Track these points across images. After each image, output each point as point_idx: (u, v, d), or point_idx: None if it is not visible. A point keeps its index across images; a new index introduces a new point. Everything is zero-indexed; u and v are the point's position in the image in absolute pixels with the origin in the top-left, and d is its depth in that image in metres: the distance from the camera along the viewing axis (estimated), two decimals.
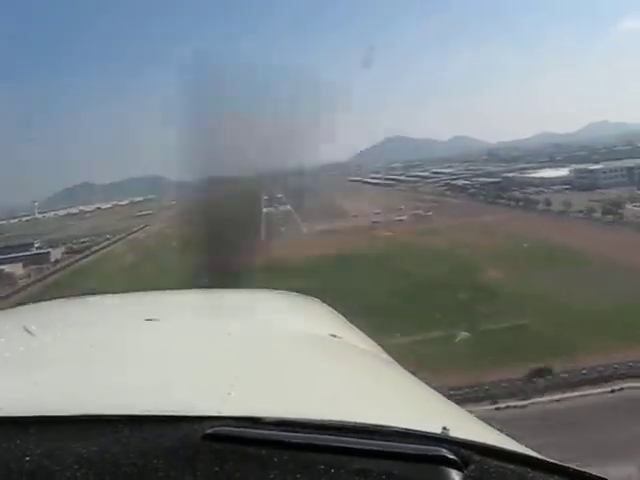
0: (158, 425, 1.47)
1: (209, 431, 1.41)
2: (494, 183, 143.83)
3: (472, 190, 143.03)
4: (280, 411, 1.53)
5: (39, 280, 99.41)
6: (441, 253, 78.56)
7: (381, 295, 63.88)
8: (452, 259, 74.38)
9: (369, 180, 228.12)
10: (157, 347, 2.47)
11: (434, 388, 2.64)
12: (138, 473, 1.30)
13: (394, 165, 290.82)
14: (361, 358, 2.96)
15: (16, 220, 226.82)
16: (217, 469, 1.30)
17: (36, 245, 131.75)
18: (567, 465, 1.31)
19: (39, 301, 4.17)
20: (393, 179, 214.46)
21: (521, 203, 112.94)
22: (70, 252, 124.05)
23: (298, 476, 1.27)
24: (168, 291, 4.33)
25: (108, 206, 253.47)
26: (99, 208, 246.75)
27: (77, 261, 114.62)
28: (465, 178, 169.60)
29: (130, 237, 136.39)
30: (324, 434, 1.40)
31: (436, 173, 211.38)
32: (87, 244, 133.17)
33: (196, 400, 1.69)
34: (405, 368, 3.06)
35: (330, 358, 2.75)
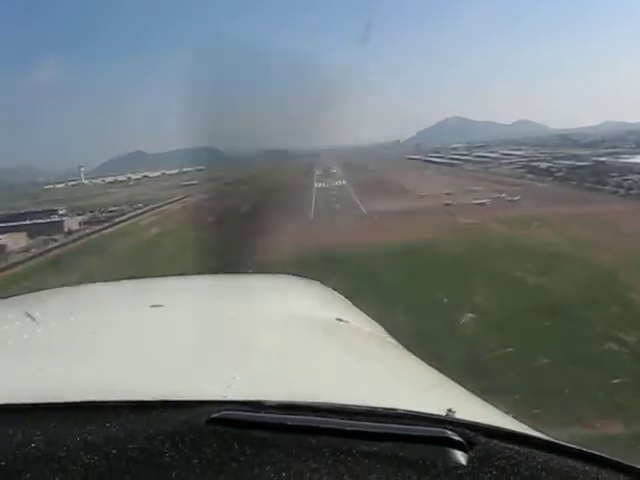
0: (163, 410, 1.46)
1: (214, 415, 1.40)
2: (583, 167, 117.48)
3: (559, 174, 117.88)
4: (285, 395, 1.52)
5: (35, 256, 78.57)
6: (560, 254, 53.59)
7: (513, 326, 34.70)
8: (581, 264, 49.12)
9: (430, 159, 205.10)
10: (162, 333, 2.47)
11: (439, 370, 2.57)
12: (144, 458, 1.29)
13: (455, 145, 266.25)
14: (366, 341, 2.94)
15: (62, 185, 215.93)
16: (222, 453, 1.29)
17: (60, 212, 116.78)
18: (573, 446, 1.29)
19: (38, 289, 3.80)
20: (457, 159, 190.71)
21: (633, 191, 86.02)
22: (91, 222, 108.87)
23: (303, 459, 1.25)
24: (173, 277, 4.57)
25: (156, 174, 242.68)
26: (146, 176, 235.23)
27: (92, 233, 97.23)
28: (545, 161, 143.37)
29: (164, 207, 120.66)
30: (329, 417, 1.38)
31: (506, 155, 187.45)
32: (115, 213, 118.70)
33: (201, 385, 1.75)
34: (410, 351, 2.91)
35: (335, 341, 2.72)
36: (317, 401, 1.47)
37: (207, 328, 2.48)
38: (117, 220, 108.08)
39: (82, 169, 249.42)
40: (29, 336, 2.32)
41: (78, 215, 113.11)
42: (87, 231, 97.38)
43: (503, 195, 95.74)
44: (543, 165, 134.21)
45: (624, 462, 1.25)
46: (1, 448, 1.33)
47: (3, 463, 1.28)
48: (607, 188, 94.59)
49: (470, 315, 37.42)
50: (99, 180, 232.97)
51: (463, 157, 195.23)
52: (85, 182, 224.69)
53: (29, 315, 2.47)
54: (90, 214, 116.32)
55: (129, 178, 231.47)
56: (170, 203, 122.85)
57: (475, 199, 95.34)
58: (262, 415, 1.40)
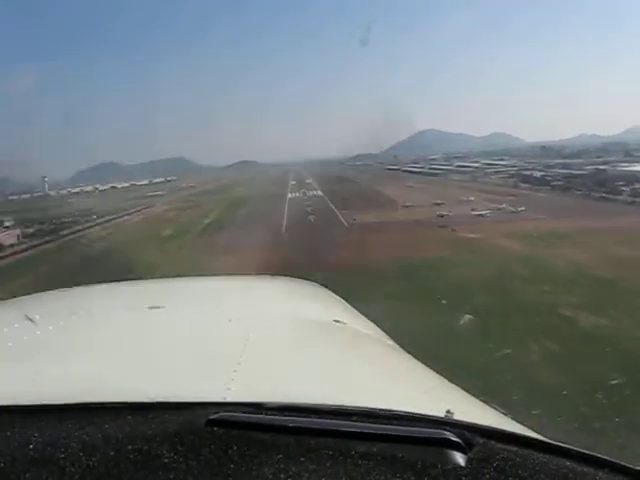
0: (162, 411, 1.44)
1: (213, 417, 1.38)
2: (582, 176, 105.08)
3: (557, 182, 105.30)
4: (283, 396, 1.51)
5: None
6: (607, 281, 38.87)
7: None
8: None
9: (410, 169, 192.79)
10: (161, 334, 2.44)
11: (438, 372, 2.54)
12: (143, 459, 1.27)
13: (433, 157, 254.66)
14: (365, 343, 2.90)
15: (28, 195, 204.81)
16: (221, 454, 1.27)
17: (6, 224, 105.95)
18: (571, 447, 1.27)
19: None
20: (439, 168, 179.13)
21: None
22: (36, 234, 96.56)
23: (302, 460, 1.24)
24: (172, 278, 4.53)
25: (125, 185, 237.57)
26: (114, 187, 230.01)
27: (28, 249, 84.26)
28: (536, 170, 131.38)
29: (120, 219, 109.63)
30: (328, 418, 1.37)
31: (489, 164, 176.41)
32: (65, 224, 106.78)
33: (200, 386, 1.72)
34: (409, 353, 2.89)
35: (333, 343, 2.69)
36: (316, 403, 1.46)
37: (206, 329, 2.49)
38: (62, 233, 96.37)
39: (46, 179, 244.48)
40: (28, 338, 2.29)
41: (26, 227, 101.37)
42: (22, 246, 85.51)
43: (504, 206, 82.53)
44: (537, 174, 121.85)
45: (622, 463, 1.24)
46: (0, 450, 1.32)
47: (2, 465, 1.26)
48: (621, 198, 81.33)
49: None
50: (66, 191, 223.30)
51: (444, 167, 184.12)
52: (50, 193, 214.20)
53: (28, 317, 2.45)
54: (38, 226, 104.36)
55: (95, 189, 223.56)
56: (129, 214, 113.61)
57: (473, 210, 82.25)
58: (261, 417, 1.38)
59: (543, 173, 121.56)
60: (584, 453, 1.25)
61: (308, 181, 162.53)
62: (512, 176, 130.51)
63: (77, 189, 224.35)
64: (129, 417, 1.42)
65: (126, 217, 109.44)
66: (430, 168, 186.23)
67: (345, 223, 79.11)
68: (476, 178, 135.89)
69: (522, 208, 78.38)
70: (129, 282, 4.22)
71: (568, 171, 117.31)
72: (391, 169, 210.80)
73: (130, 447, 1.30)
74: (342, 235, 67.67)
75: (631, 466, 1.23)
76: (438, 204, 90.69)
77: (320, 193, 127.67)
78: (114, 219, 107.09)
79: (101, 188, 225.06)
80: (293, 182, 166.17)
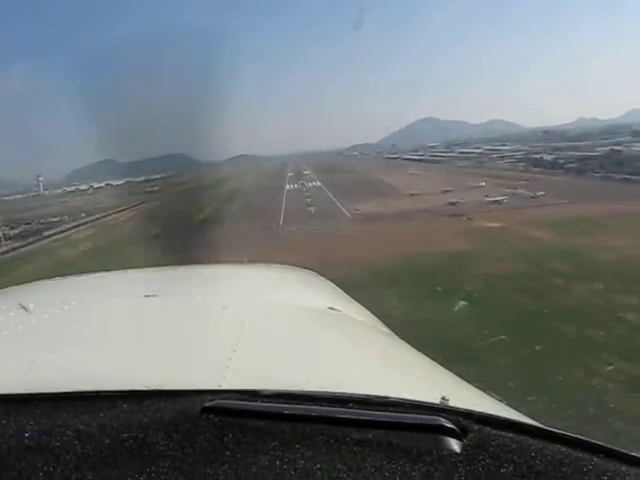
0: (158, 399, 1.44)
1: (208, 404, 1.37)
2: (596, 157, 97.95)
3: (571, 165, 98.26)
4: (279, 383, 1.50)
5: None
6: None
7: None
8: None
9: (410, 157, 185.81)
10: (156, 322, 2.44)
11: (433, 359, 2.55)
12: (138, 447, 1.27)
13: (432, 144, 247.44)
14: (360, 330, 2.91)
15: (21, 196, 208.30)
16: (217, 442, 1.27)
17: None
18: (565, 432, 1.26)
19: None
20: (440, 155, 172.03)
21: None
22: (21, 235, 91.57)
23: (297, 447, 1.23)
24: (167, 267, 4.27)
25: (120, 182, 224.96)
26: (109, 184, 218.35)
27: (10, 250, 77.75)
28: (545, 153, 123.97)
29: (111, 217, 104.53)
30: (323, 405, 1.36)
31: (492, 150, 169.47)
32: (52, 224, 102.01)
33: (195, 374, 1.73)
34: (404, 340, 2.90)
35: (328, 330, 2.69)
36: (311, 390, 1.45)
37: (201, 317, 2.50)
38: (47, 234, 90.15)
39: (40, 179, 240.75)
40: (23, 327, 2.29)
41: (11, 228, 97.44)
42: (6, 248, 78.90)
43: (520, 191, 75.61)
44: (547, 157, 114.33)
45: (617, 449, 1.22)
46: None
47: None
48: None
49: None
50: (61, 190, 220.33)
51: (446, 154, 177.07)
52: (45, 192, 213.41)
53: (22, 306, 2.46)
54: (25, 226, 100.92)
55: (90, 186, 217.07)
56: (120, 211, 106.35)
57: (486, 196, 75.23)
58: (256, 404, 1.37)
59: (553, 156, 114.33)
60: (579, 439, 1.24)
61: (306, 172, 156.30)
62: (519, 160, 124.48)
63: (72, 187, 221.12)
64: (124, 405, 1.41)
65: (116, 214, 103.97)
66: (431, 155, 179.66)
67: (347, 214, 72.22)
68: (482, 164, 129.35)
69: (541, 193, 71.55)
70: (124, 270, 4.12)
71: (580, 153, 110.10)
72: (391, 158, 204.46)
73: (125, 435, 1.29)
74: (345, 227, 60.86)
75: (626, 452, 1.22)
76: (447, 191, 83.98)
77: (319, 183, 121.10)
78: (106, 216, 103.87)
79: (96, 186, 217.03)
80: (291, 174, 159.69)
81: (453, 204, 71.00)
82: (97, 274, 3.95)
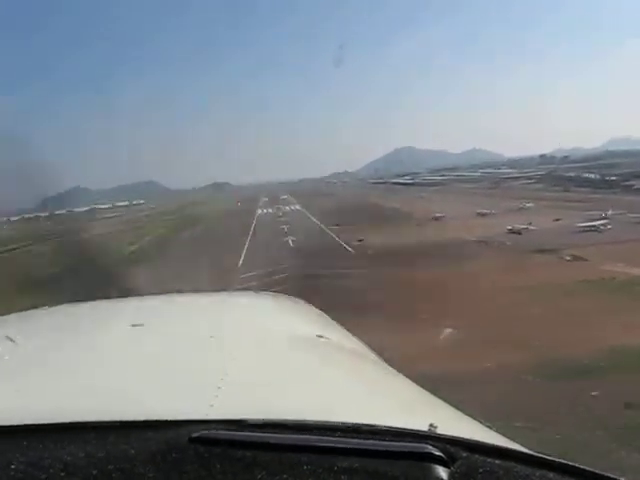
0: (144, 430, 1.41)
1: (195, 434, 1.35)
2: None
3: (628, 183, 71.64)
4: (267, 412, 1.48)
5: None
6: None
7: None
8: None
9: (400, 181, 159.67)
10: (142, 352, 2.39)
11: (421, 386, 2.49)
12: (125, 478, 1.24)
13: (416, 171, 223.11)
14: (348, 358, 2.85)
15: None
16: (204, 472, 1.25)
17: None
18: (555, 459, 1.24)
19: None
20: (435, 180, 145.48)
21: None
22: None
23: (285, 476, 1.21)
24: (154, 296, 4.21)
25: (84, 209, 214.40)
26: (70, 211, 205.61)
27: None
28: (568, 172, 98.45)
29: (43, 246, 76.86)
30: (311, 434, 1.34)
31: (489, 173, 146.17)
32: None
33: (182, 404, 1.67)
34: (392, 366, 2.87)
35: (316, 358, 2.63)
36: (299, 419, 1.42)
37: (188, 347, 2.42)
38: None
39: None
40: (8, 357, 2.22)
41: None
42: None
43: (609, 212, 48.07)
44: (590, 176, 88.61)
45: (605, 474, 1.20)
46: None
47: None
48: None
49: None
50: (20, 217, 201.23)
51: (441, 178, 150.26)
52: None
53: (7, 337, 2.39)
54: None
55: (52, 214, 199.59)
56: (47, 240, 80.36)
57: (556, 220, 48.81)
58: (244, 434, 1.34)
59: (594, 175, 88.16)
60: (567, 465, 1.22)
61: (283, 197, 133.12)
62: (540, 180, 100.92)
63: (33, 215, 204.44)
64: (111, 436, 1.37)
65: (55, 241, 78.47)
66: (425, 179, 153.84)
67: (347, 247, 44.43)
68: (498, 185, 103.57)
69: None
70: (110, 300, 4.04)
71: (630, 170, 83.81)
72: (377, 183, 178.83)
73: (112, 466, 1.26)
74: (348, 277, 32.77)
75: (615, 477, 1.19)
76: (484, 214, 56.96)
77: (298, 207, 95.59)
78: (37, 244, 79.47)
79: (57, 212, 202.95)
80: (265, 198, 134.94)
81: (518, 233, 43.61)
82: (84, 304, 3.85)
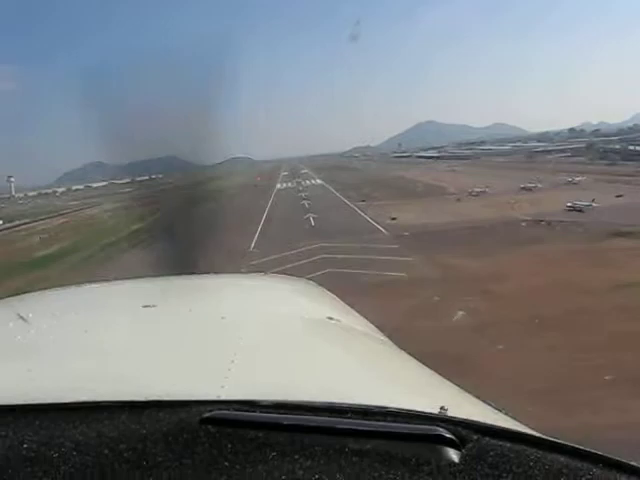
0: (156, 410, 1.40)
1: (207, 415, 1.33)
2: None
3: None
4: (277, 394, 1.46)
5: None
6: None
7: None
8: None
9: (426, 154, 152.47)
10: (154, 333, 2.38)
11: (432, 369, 2.46)
12: (137, 457, 1.25)
13: (441, 145, 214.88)
14: (358, 340, 2.81)
15: None
16: (215, 452, 1.25)
17: None
18: (565, 442, 1.22)
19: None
20: (463, 154, 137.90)
21: None
22: None
23: (296, 457, 1.22)
24: (165, 277, 4.12)
25: (101, 184, 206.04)
26: (89, 186, 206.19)
27: None
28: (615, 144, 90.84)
29: (53, 220, 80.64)
30: (321, 416, 1.33)
31: (519, 147, 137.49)
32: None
33: (194, 385, 1.68)
34: (403, 349, 2.82)
35: (327, 340, 2.60)
36: (309, 400, 1.41)
37: (199, 328, 2.40)
38: None
39: (12, 180, 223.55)
40: (21, 337, 2.22)
41: None
42: None
43: None
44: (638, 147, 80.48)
45: (617, 458, 1.18)
46: None
47: None
48: None
49: None
50: (36, 192, 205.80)
51: (469, 151, 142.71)
52: (16, 195, 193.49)
53: (20, 316, 2.40)
54: None
55: (68, 189, 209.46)
56: (71, 212, 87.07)
57: (618, 196, 41.67)
58: (254, 414, 1.33)
59: None
60: (578, 449, 1.21)
61: (304, 171, 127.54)
62: (577, 153, 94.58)
63: (49, 190, 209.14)
64: (123, 416, 1.37)
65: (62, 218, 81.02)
66: (452, 153, 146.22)
67: (379, 227, 37.83)
68: (533, 158, 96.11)
69: None
70: (122, 281, 3.96)
71: None
72: (401, 156, 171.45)
73: (124, 446, 1.27)
74: (389, 267, 26.24)
75: (625, 461, 1.18)
76: (528, 189, 50.15)
77: (319, 182, 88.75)
78: (48, 218, 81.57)
79: (74, 188, 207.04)
80: (285, 173, 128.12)
81: (579, 210, 36.77)
82: (95, 284, 3.83)
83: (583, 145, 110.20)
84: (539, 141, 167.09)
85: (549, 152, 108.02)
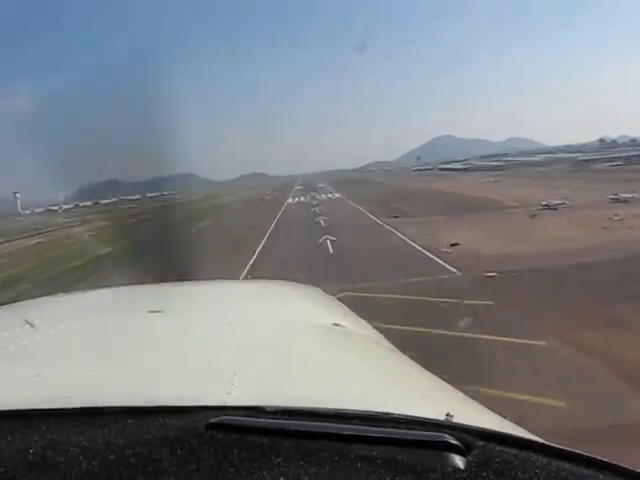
0: (162, 416, 1.39)
1: (213, 420, 1.33)
2: None
3: None
4: (284, 400, 1.46)
5: None
6: None
7: None
8: None
9: (450, 167, 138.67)
10: (160, 338, 2.37)
11: (437, 375, 2.45)
12: (143, 463, 1.24)
13: (460, 158, 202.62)
14: (364, 347, 2.81)
15: None
16: (221, 458, 1.24)
17: None
18: (572, 450, 1.22)
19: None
20: (491, 164, 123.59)
21: None
22: None
23: (301, 463, 1.20)
24: (171, 283, 4.19)
25: (111, 200, 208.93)
26: (97, 203, 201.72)
27: None
28: None
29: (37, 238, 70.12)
30: (328, 422, 1.32)
31: (549, 158, 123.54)
32: None
33: (199, 391, 1.66)
34: (408, 356, 2.78)
35: (333, 346, 2.60)
36: (315, 406, 1.40)
37: (205, 334, 2.40)
38: None
39: (18, 195, 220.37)
40: (28, 342, 2.21)
41: None
42: None
43: None
44: None
45: (623, 465, 1.17)
46: (0, 454, 1.29)
47: (2, 469, 1.23)
48: None
49: None
50: (44, 208, 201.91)
51: (498, 162, 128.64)
52: (23, 212, 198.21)
53: (28, 322, 2.39)
54: None
55: (76, 205, 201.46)
56: (54, 231, 75.26)
57: None
58: (261, 420, 1.33)
59: None
60: (584, 456, 1.20)
61: (320, 185, 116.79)
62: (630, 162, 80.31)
63: (56, 207, 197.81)
64: (129, 421, 1.37)
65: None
66: (480, 164, 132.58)
67: (436, 259, 23.42)
68: (582, 167, 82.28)
69: None
70: (128, 287, 3.94)
71: None
72: (422, 170, 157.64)
73: (130, 451, 1.26)
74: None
75: (632, 468, 1.17)
76: (624, 200, 36.23)
77: (337, 195, 75.91)
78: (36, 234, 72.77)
79: (81, 204, 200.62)
80: (299, 187, 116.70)
81: None
82: (101, 290, 3.85)
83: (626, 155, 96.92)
84: (567, 152, 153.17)
85: (594, 161, 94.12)
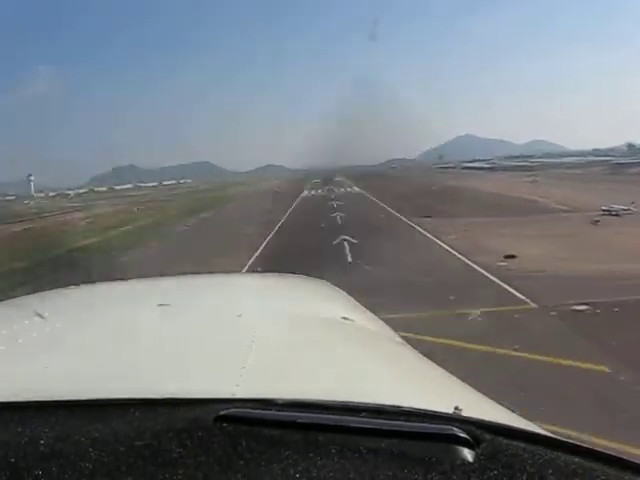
0: (171, 408, 1.39)
1: (222, 413, 1.31)
2: None
3: None
4: (293, 392, 1.45)
5: None
6: None
7: None
8: None
9: (475, 165, 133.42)
10: (169, 331, 2.37)
11: (446, 369, 2.42)
12: (152, 454, 1.22)
13: (483, 158, 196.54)
14: (373, 340, 2.79)
15: (12, 197, 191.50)
16: (230, 450, 1.22)
17: None
18: (580, 444, 1.20)
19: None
20: (519, 164, 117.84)
21: None
22: None
23: (310, 455, 1.19)
24: (180, 276, 4.15)
25: (126, 187, 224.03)
26: (112, 188, 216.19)
27: None
28: None
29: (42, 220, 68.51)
30: (336, 414, 1.30)
31: (581, 160, 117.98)
32: None
33: (208, 383, 1.67)
34: (417, 350, 2.76)
35: (342, 340, 2.56)
36: (324, 399, 1.38)
37: (214, 326, 2.41)
38: None
39: (32, 178, 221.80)
40: (37, 334, 2.24)
41: None
42: None
43: None
44: None
45: (632, 460, 1.15)
46: (11, 445, 1.28)
47: (13, 460, 1.23)
48: None
49: None
50: (56, 192, 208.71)
51: (526, 163, 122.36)
52: (36, 195, 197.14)
53: (38, 314, 2.39)
54: None
55: (91, 190, 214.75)
56: (53, 216, 74.08)
57: None
58: (270, 412, 1.31)
59: None
60: (593, 450, 1.19)
61: (338, 179, 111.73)
62: None
63: (70, 191, 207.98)
64: (138, 413, 1.36)
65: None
66: (507, 164, 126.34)
67: (493, 278, 17.30)
68: (620, 170, 77.07)
69: None
70: (137, 280, 3.96)
71: None
72: (445, 168, 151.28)
73: (139, 443, 1.25)
74: None
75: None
76: None
77: (356, 189, 71.08)
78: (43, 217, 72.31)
79: (96, 189, 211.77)
80: (316, 180, 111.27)
81: None
82: (110, 283, 3.88)
83: None
84: (595, 156, 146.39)
85: (630, 165, 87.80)
